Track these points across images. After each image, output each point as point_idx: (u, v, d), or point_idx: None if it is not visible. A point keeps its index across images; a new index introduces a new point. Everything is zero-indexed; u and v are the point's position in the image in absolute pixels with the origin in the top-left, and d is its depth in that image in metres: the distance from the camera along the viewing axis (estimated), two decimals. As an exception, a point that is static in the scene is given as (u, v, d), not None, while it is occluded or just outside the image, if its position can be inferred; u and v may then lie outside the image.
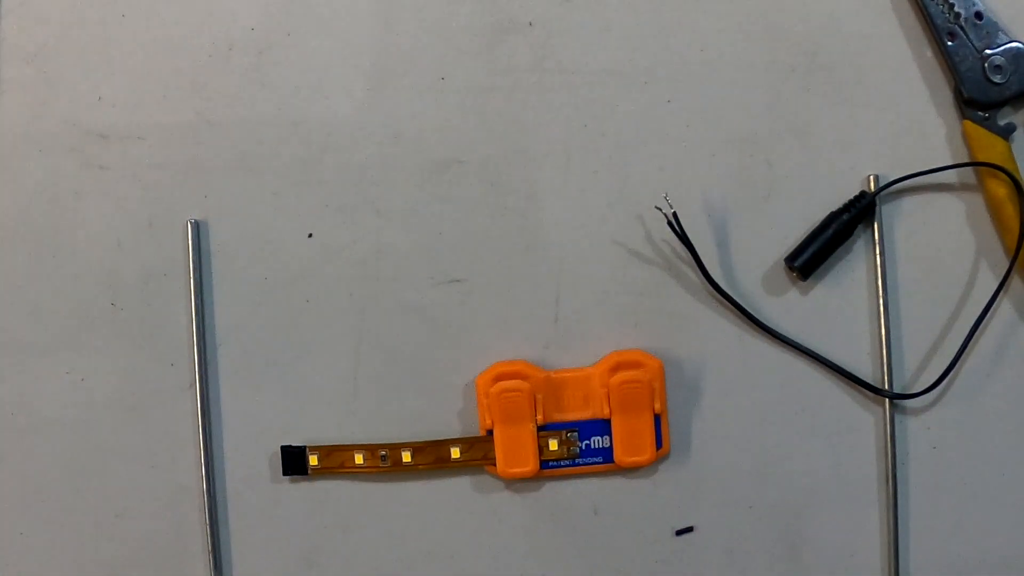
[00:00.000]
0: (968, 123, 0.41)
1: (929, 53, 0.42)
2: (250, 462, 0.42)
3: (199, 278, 0.41)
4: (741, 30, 0.42)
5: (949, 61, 0.41)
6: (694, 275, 0.42)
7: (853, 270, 0.42)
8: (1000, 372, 0.42)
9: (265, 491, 0.42)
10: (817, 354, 0.42)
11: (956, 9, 0.41)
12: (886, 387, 0.41)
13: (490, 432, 0.40)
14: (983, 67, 0.41)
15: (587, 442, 0.41)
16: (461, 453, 0.41)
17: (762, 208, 0.42)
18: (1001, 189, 0.41)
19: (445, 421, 0.42)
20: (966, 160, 0.42)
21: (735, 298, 0.41)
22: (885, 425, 0.42)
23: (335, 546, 0.42)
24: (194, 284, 0.41)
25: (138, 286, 0.42)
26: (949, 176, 0.42)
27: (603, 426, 0.41)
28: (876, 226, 0.41)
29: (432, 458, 0.41)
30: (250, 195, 0.42)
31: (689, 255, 0.41)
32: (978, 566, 0.42)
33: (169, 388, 0.42)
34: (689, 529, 0.42)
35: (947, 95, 0.42)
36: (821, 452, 0.42)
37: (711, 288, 0.41)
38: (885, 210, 0.42)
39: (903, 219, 0.42)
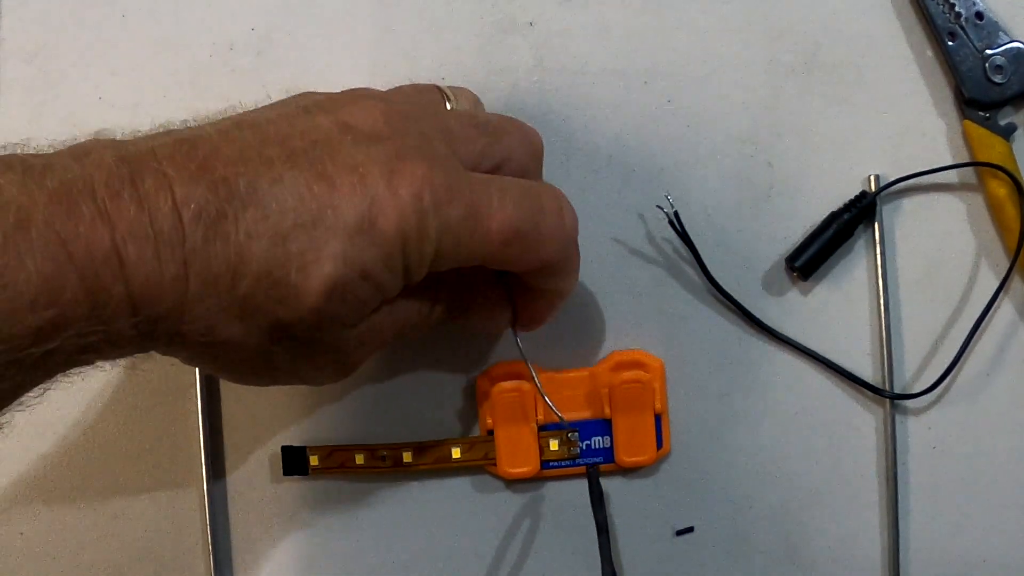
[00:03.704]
0: (969, 123, 0.41)
1: (929, 53, 0.42)
2: (250, 462, 0.42)
3: (199, 278, 0.41)
4: (741, 30, 0.42)
5: (949, 61, 0.41)
6: (695, 275, 0.42)
7: (853, 270, 0.42)
8: (1000, 372, 0.42)
9: (265, 491, 0.42)
10: (817, 354, 0.42)
11: (957, 9, 0.41)
12: (886, 387, 0.41)
13: (490, 432, 0.41)
14: (984, 67, 0.41)
15: (587, 442, 0.41)
16: (461, 453, 0.41)
17: (762, 208, 0.42)
18: (1002, 189, 0.41)
19: (445, 421, 0.42)
20: (966, 160, 0.42)
21: (736, 298, 0.41)
22: (885, 425, 0.42)
23: (335, 546, 0.42)
24: (194, 284, 0.41)
25: (138, 286, 0.42)
26: (949, 176, 0.42)
27: (603, 426, 0.41)
28: (876, 226, 0.41)
29: (432, 458, 0.41)
30: (250, 195, 0.41)
31: (690, 255, 0.41)
32: (978, 566, 0.42)
33: (169, 388, 0.42)
34: (689, 529, 0.42)
35: (947, 95, 0.42)
36: (821, 452, 0.42)
37: (712, 288, 0.41)
38: (885, 210, 0.42)
39: (903, 219, 0.42)
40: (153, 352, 0.30)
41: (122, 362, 0.41)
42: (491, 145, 0.33)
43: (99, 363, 0.29)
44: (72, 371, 0.29)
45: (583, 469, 0.41)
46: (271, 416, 0.42)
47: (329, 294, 0.29)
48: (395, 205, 0.29)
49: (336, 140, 0.30)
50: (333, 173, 0.29)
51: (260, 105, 0.32)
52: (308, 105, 0.31)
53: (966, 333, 0.41)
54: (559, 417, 0.39)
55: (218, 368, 0.32)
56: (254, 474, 0.42)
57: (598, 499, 0.38)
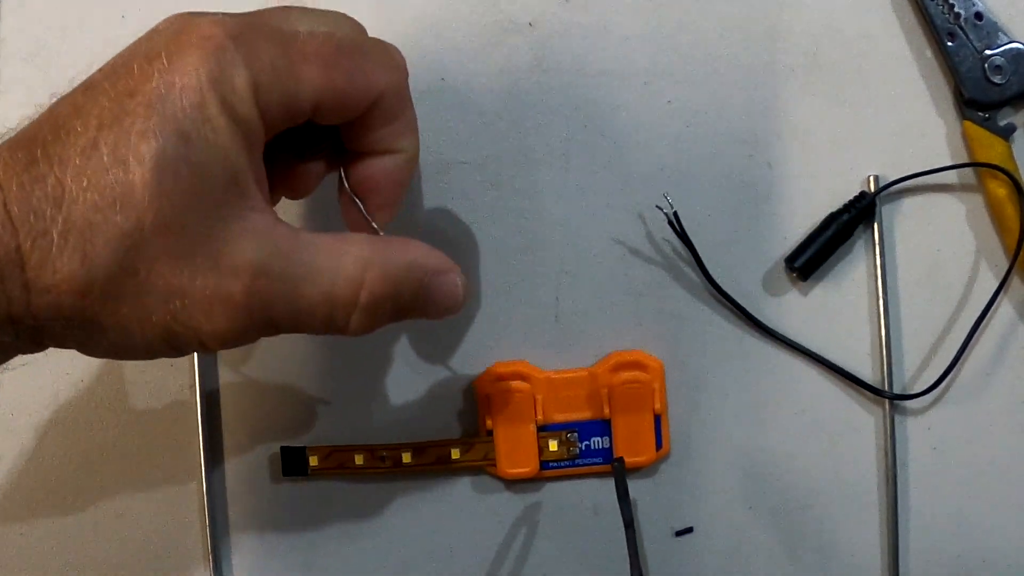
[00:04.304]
0: (968, 123, 0.41)
1: (929, 53, 0.42)
2: (250, 462, 0.42)
3: (199, 278, 0.41)
4: (741, 30, 0.42)
5: (949, 61, 0.41)
6: (694, 275, 0.42)
7: (853, 270, 0.42)
8: (1000, 372, 0.42)
9: (265, 491, 0.42)
10: (817, 354, 0.42)
11: (956, 9, 0.41)
12: (886, 388, 0.41)
13: (490, 433, 0.40)
14: (983, 67, 0.41)
15: (587, 443, 0.41)
16: (461, 454, 0.41)
17: (762, 208, 0.42)
18: (1001, 189, 0.41)
19: (445, 421, 0.42)
20: (966, 160, 0.42)
21: (735, 298, 0.41)
22: (885, 426, 0.42)
23: (335, 546, 0.42)
24: (194, 284, 0.41)
25: (138, 286, 0.41)
26: (949, 176, 0.42)
27: (603, 426, 0.41)
28: (876, 226, 0.41)
29: (432, 459, 0.41)
30: (250, 195, 0.41)
31: (689, 255, 0.41)
32: (978, 566, 0.42)
33: (169, 388, 0.42)
34: (689, 529, 0.42)
35: (947, 95, 0.42)
36: (821, 452, 0.42)
37: (711, 288, 0.41)
38: (885, 210, 0.42)
39: (903, 219, 0.42)
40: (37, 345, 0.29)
41: (121, 362, 0.41)
42: (304, 15, 0.31)
43: None
44: None
45: (582, 469, 0.41)
46: (271, 416, 0.42)
47: (156, 173, 0.27)
48: (187, 58, 0.27)
49: (128, 49, 0.29)
50: (126, 71, 0.28)
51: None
52: None
53: (966, 333, 0.41)
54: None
55: (97, 328, 0.28)
56: (254, 474, 0.42)
57: (624, 494, 0.38)
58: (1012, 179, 0.40)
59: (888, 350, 0.41)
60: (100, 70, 0.29)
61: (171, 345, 0.29)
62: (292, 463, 0.41)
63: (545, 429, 0.41)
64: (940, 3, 0.41)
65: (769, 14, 0.42)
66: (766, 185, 0.42)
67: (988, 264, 0.42)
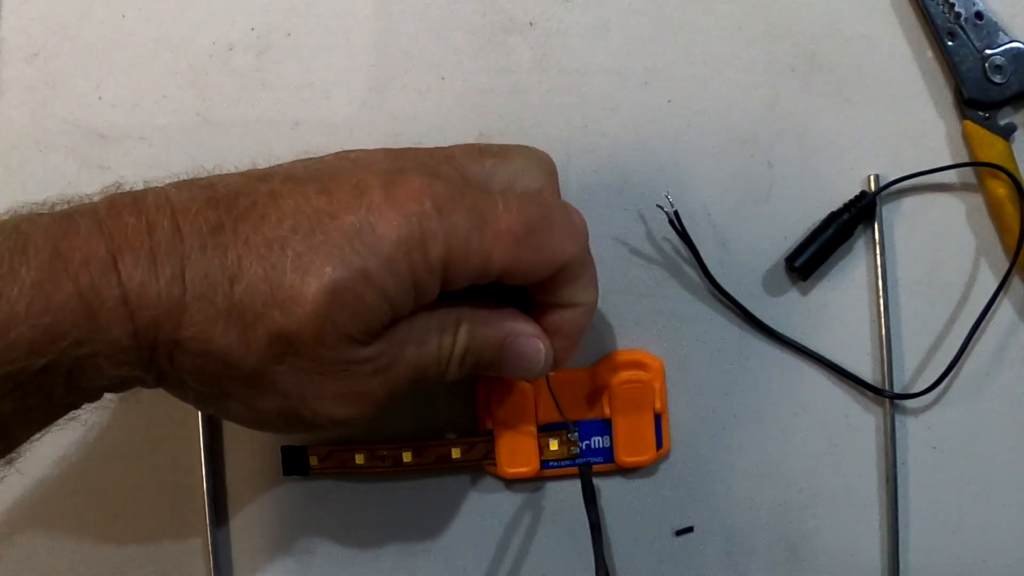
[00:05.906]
0: (968, 123, 0.41)
1: (929, 53, 0.42)
2: (250, 462, 0.42)
3: (199, 278, 0.41)
4: (741, 30, 0.42)
5: (949, 61, 0.41)
6: (695, 275, 0.42)
7: (853, 270, 0.42)
8: (1000, 372, 0.42)
9: (265, 491, 0.42)
10: (817, 354, 0.42)
11: (956, 9, 0.41)
12: (886, 387, 0.41)
13: (490, 432, 0.40)
14: (983, 67, 0.41)
15: (587, 442, 0.41)
16: (462, 453, 0.41)
17: (762, 208, 0.42)
18: (1001, 189, 0.41)
19: (445, 421, 0.42)
20: (966, 160, 0.42)
21: (735, 298, 0.41)
22: (885, 425, 0.42)
23: (335, 546, 0.42)
24: (194, 284, 0.41)
25: (138, 286, 0.41)
26: (949, 176, 0.42)
27: (603, 426, 0.41)
28: (876, 226, 0.41)
29: (432, 458, 0.41)
30: (250, 195, 0.41)
31: (690, 254, 0.41)
32: (978, 566, 0.42)
33: (169, 388, 0.42)
34: (689, 529, 0.42)
35: (947, 95, 0.42)
36: (821, 452, 0.42)
37: (712, 288, 0.41)
38: (885, 210, 0.42)
39: (903, 219, 0.42)
40: (158, 389, 0.31)
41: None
42: (498, 164, 0.34)
43: (103, 394, 0.30)
44: (77, 403, 0.30)
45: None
46: (271, 416, 0.42)
47: (329, 298, 0.28)
48: (394, 211, 0.29)
49: (337, 165, 0.31)
50: (332, 187, 0.30)
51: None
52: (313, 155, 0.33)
53: (966, 333, 0.41)
54: (566, 419, 0.40)
55: (223, 395, 0.31)
56: (254, 474, 0.42)
57: (591, 498, 0.38)
58: (1012, 179, 0.40)
59: (888, 350, 0.41)
60: (305, 166, 0.31)
61: (299, 422, 0.31)
62: (292, 463, 0.41)
63: (545, 428, 0.41)
64: (940, 3, 0.41)
65: (769, 14, 0.42)
66: (766, 184, 0.42)
67: (988, 264, 0.42)
